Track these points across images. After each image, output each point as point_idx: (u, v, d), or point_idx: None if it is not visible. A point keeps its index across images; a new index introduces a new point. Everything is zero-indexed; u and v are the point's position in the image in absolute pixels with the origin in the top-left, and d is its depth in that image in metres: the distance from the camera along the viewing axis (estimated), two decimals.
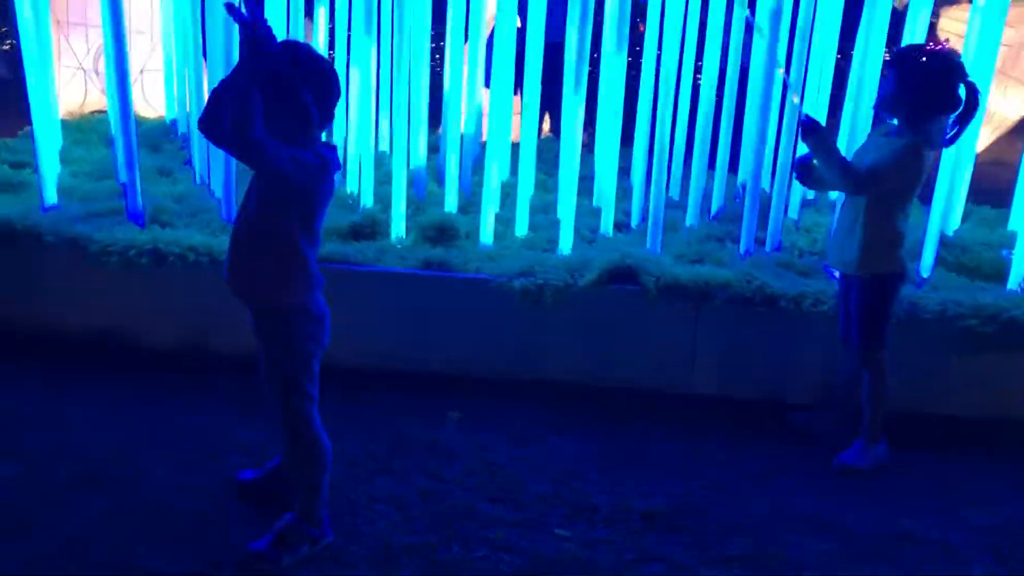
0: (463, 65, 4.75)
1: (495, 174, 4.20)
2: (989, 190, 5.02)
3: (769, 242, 4.24)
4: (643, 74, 4.44)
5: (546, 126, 6.54)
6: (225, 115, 2.26)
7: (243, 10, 2.34)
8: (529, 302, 3.68)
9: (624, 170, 4.89)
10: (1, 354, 3.77)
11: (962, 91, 3.06)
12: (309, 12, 4.51)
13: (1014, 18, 4.92)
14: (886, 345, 3.26)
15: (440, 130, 4.99)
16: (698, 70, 4.71)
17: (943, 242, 4.13)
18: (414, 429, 3.46)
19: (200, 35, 4.66)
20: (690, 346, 3.76)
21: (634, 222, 4.64)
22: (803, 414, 3.63)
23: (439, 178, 4.80)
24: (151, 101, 6.17)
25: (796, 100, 3.70)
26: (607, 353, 3.79)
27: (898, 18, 4.46)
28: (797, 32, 4.20)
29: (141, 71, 6.09)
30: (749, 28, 4.48)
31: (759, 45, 4.25)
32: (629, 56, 4.46)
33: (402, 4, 4.44)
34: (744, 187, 5.19)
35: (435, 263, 3.88)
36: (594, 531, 2.93)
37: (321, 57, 2.49)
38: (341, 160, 3.39)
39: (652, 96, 4.34)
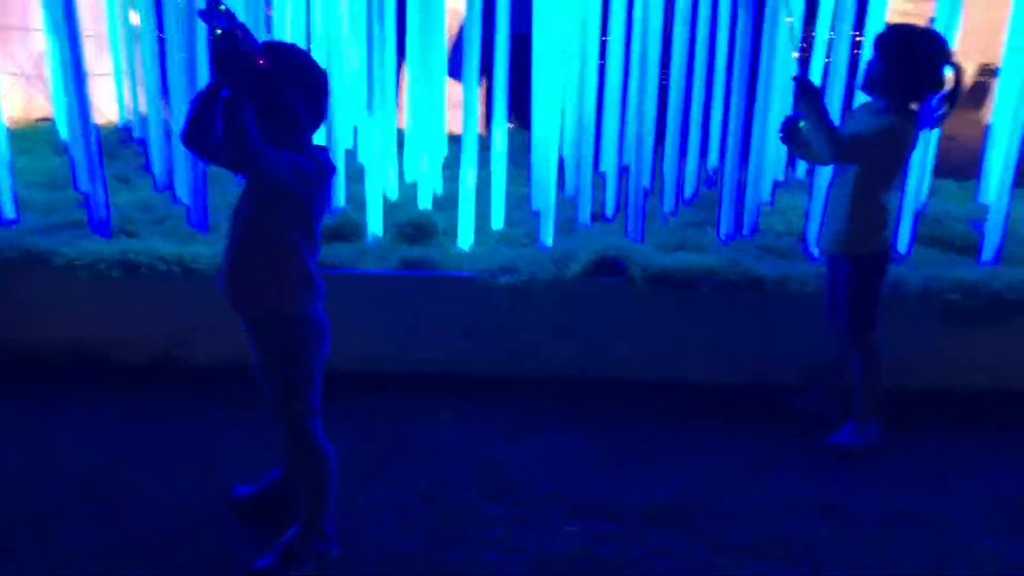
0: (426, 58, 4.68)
1: (472, 173, 4.13)
2: (943, 165, 5.09)
3: (747, 226, 4.24)
4: (610, 63, 4.43)
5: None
6: (209, 127, 2.17)
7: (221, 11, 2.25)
8: (516, 298, 3.63)
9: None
10: None
11: (947, 72, 3.08)
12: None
13: None
14: (875, 327, 3.27)
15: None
16: (665, 57, 4.69)
17: (918, 217, 4.18)
18: (408, 431, 3.39)
19: (156, 37, 4.53)
20: (678, 334, 3.75)
21: (609, 211, 4.62)
22: (792, 395, 3.64)
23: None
24: (99, 106, 5.97)
25: (795, 55, 3.63)
26: (596, 345, 3.76)
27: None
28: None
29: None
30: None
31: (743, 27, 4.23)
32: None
33: None
34: (715, 171, 5.22)
35: (415, 262, 3.81)
36: (600, 526, 2.90)
37: (307, 56, 2.40)
38: None
39: (622, 85, 4.32)
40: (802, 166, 5.23)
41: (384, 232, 4.10)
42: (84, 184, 3.96)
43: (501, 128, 4.57)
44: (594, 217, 4.46)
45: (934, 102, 3.13)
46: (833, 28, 4.38)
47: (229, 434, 3.34)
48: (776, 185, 4.85)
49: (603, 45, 4.72)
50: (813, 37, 4.69)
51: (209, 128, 2.19)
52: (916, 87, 3.09)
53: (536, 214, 4.47)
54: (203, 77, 3.97)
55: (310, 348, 2.47)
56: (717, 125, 5.18)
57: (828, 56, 4.56)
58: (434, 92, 4.72)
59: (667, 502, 3.02)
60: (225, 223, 4.00)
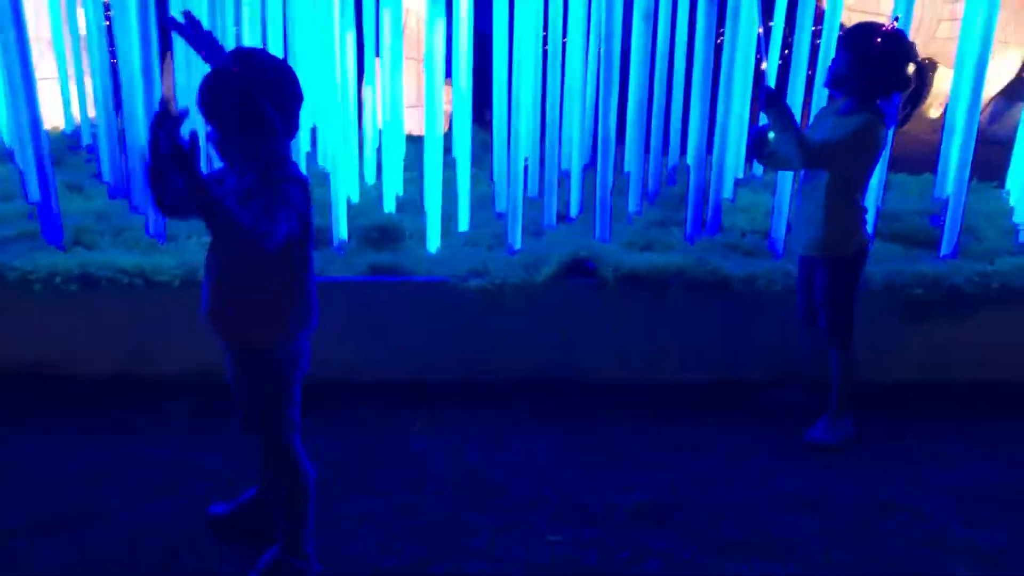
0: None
1: (438, 174, 4.08)
2: (894, 158, 5.18)
3: (711, 224, 4.26)
4: (570, 62, 4.41)
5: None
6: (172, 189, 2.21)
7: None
8: (488, 302, 3.60)
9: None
10: None
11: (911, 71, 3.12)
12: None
13: None
14: (853, 324, 3.30)
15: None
16: (625, 54, 4.69)
17: (878, 214, 4.24)
18: (382, 441, 3.34)
19: (106, 40, 4.39)
20: (650, 334, 3.74)
21: (573, 211, 4.61)
22: (770, 392, 3.66)
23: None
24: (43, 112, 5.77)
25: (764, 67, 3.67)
26: (569, 348, 3.74)
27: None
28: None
29: None
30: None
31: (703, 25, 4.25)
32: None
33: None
34: (674, 169, 5.24)
35: (384, 268, 3.74)
36: (584, 531, 2.88)
37: (279, 61, 2.33)
38: None
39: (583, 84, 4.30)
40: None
41: (348, 237, 4.03)
42: (34, 194, 3.82)
43: (464, 128, 4.53)
44: (559, 217, 4.44)
45: (899, 101, 3.16)
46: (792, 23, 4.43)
47: (196, 449, 3.24)
48: (736, 183, 4.88)
49: (563, 46, 4.70)
50: (768, 32, 4.73)
51: (172, 191, 2.21)
52: (882, 85, 3.12)
53: (500, 216, 4.44)
54: (156, 81, 3.85)
55: (291, 372, 2.42)
56: (677, 122, 5.21)
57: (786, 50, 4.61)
58: (393, 93, 4.65)
59: (649, 502, 3.02)
60: (184, 231, 3.94)
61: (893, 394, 3.71)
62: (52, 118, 5.64)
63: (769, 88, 3.18)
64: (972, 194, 4.18)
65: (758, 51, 4.04)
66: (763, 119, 3.22)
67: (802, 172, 3.32)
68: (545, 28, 4.48)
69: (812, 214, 3.24)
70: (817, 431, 3.39)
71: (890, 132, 3.20)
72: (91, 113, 4.85)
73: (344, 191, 4.01)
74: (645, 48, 4.48)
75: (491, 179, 4.91)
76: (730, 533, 2.87)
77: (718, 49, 4.24)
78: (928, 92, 3.13)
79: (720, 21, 4.22)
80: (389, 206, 4.37)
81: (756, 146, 3.31)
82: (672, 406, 3.65)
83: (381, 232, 4.05)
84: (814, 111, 3.99)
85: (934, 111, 7.41)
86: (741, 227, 4.31)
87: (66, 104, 5.32)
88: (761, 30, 3.43)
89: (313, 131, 5.04)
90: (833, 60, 3.20)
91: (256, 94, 2.20)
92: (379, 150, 4.90)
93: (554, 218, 4.36)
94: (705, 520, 2.94)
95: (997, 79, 7.97)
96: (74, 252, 3.60)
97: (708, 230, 4.26)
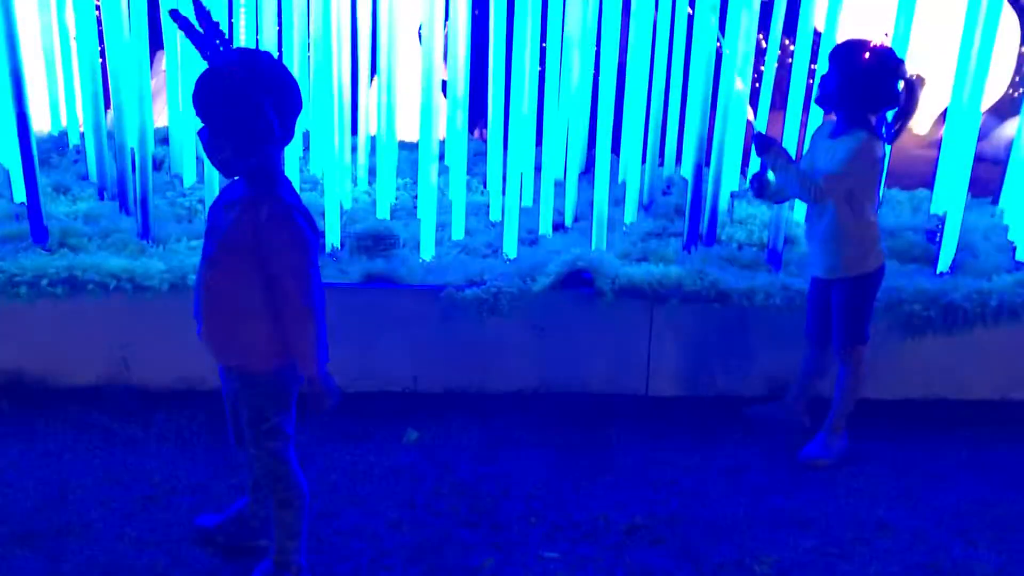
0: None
1: (433, 181, 4.03)
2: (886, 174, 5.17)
3: (708, 236, 4.23)
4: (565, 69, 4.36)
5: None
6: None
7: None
8: (483, 311, 3.55)
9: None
10: None
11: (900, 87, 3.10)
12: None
13: None
14: (868, 340, 3.27)
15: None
16: (622, 65, 4.66)
17: None
18: (373, 453, 3.28)
19: (96, 40, 4.32)
20: (646, 347, 3.70)
21: (568, 221, 4.56)
22: (759, 408, 3.63)
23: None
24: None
25: (740, 87, 3.69)
26: (564, 359, 3.69)
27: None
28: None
29: None
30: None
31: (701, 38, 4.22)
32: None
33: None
34: (669, 180, 5.21)
35: (378, 275, 3.69)
36: (578, 548, 2.84)
37: (283, 67, 2.27)
38: None
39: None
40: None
41: (341, 244, 3.97)
42: (20, 194, 3.74)
43: (458, 135, 4.48)
44: (554, 227, 4.40)
45: (889, 117, 3.14)
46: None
47: (182, 460, 3.18)
48: (732, 195, 4.84)
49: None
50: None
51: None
52: (872, 101, 3.09)
53: (494, 224, 4.39)
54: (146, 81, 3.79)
55: (290, 387, 2.37)
56: (674, 132, 5.17)
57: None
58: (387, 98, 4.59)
59: (644, 519, 2.98)
60: (173, 235, 3.87)
61: (887, 411, 3.68)
62: (38, 119, 5.55)
63: (760, 134, 3.19)
64: (967, 211, 4.16)
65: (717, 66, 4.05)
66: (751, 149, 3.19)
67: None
68: (543, 33, 4.45)
69: (826, 241, 3.20)
70: (813, 448, 3.36)
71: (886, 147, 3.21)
72: (79, 113, 4.76)
73: (337, 197, 3.95)
74: (642, 56, 4.45)
75: (484, 187, 4.86)
76: (726, 551, 2.83)
77: (716, 58, 4.22)
78: (916, 108, 3.12)
79: (719, 29, 4.19)
80: (383, 213, 4.31)
81: (758, 190, 3.31)
82: (667, 420, 3.60)
83: (374, 239, 3.99)
84: (810, 127, 3.99)
85: (920, 127, 7.42)
86: (738, 239, 4.28)
87: (53, 104, 5.22)
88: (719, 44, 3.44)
89: (305, 136, 4.98)
90: (822, 77, 3.18)
91: (258, 96, 2.15)
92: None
93: (550, 227, 4.32)
94: (701, 538, 2.90)
95: (986, 97, 7.99)
96: (61, 254, 3.52)
97: (704, 242, 4.23)
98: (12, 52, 3.57)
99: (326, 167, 4.03)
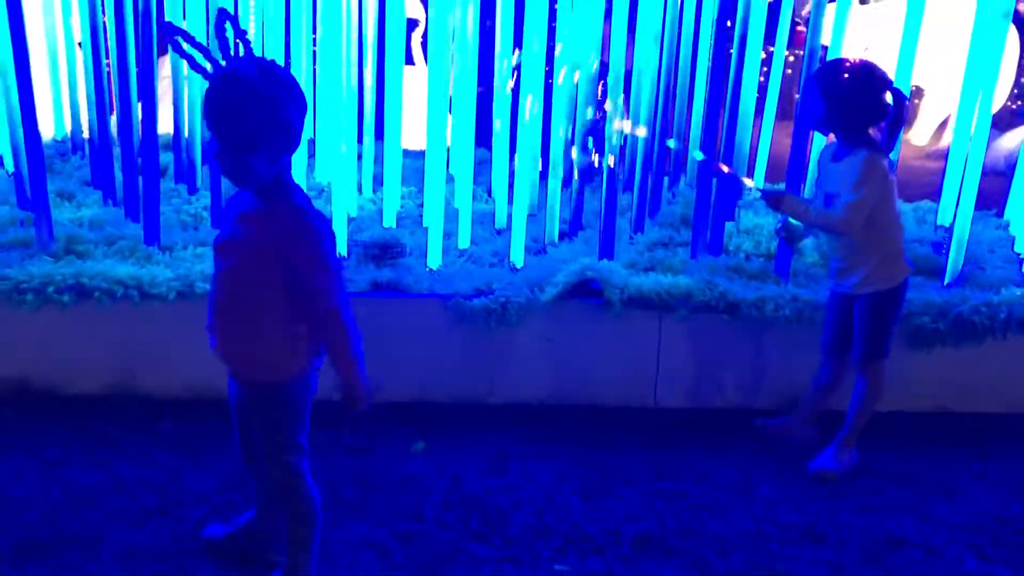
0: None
1: (440, 189, 4.01)
2: None
3: (714, 246, 4.22)
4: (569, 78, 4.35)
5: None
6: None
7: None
8: (491, 321, 3.53)
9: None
10: None
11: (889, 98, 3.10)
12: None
13: None
14: (888, 355, 3.26)
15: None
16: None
17: None
18: (380, 464, 3.26)
19: (103, 44, 4.31)
20: (655, 358, 3.69)
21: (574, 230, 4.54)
22: (769, 420, 3.61)
23: None
24: None
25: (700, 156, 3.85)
26: (571, 370, 3.67)
27: None
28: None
29: None
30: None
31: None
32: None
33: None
34: (675, 190, 5.19)
35: (385, 284, 3.67)
36: (589, 561, 2.82)
37: (292, 76, 2.26)
38: None
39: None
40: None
41: (348, 253, 3.95)
42: (27, 201, 3.72)
43: (464, 144, 4.47)
44: (560, 235, 4.38)
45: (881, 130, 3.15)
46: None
47: (190, 469, 3.15)
48: (739, 204, 4.83)
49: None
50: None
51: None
52: (863, 118, 3.09)
53: (499, 232, 4.38)
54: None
55: (304, 398, 2.35)
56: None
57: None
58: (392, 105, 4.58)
59: (655, 531, 2.96)
60: (180, 243, 3.85)
61: (897, 424, 3.66)
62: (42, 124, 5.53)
63: (764, 192, 3.27)
64: (972, 223, 4.15)
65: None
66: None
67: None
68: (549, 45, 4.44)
69: (848, 257, 3.20)
70: (824, 459, 3.34)
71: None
72: (83, 119, 4.74)
73: (343, 206, 3.94)
74: (651, 65, 4.44)
75: (489, 195, 4.85)
76: (739, 566, 2.82)
77: (724, 66, 4.21)
78: (906, 118, 3.12)
79: (728, 37, 4.18)
80: (389, 221, 4.29)
81: (788, 238, 3.45)
82: (676, 432, 3.58)
83: (381, 248, 3.97)
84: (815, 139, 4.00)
85: (919, 138, 7.42)
86: (745, 249, 4.27)
87: (57, 110, 5.20)
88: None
89: (311, 143, 4.96)
90: (807, 102, 3.18)
91: (285, 104, 2.13)
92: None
93: (556, 235, 4.30)
94: (712, 551, 2.88)
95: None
96: (68, 261, 3.50)
97: (710, 252, 4.21)
98: (21, 56, 3.54)
99: (333, 175, 4.01)
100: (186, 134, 4.50)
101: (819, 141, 3.99)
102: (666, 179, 4.97)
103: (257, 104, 2.08)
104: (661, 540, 2.93)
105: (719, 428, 3.62)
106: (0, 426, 3.32)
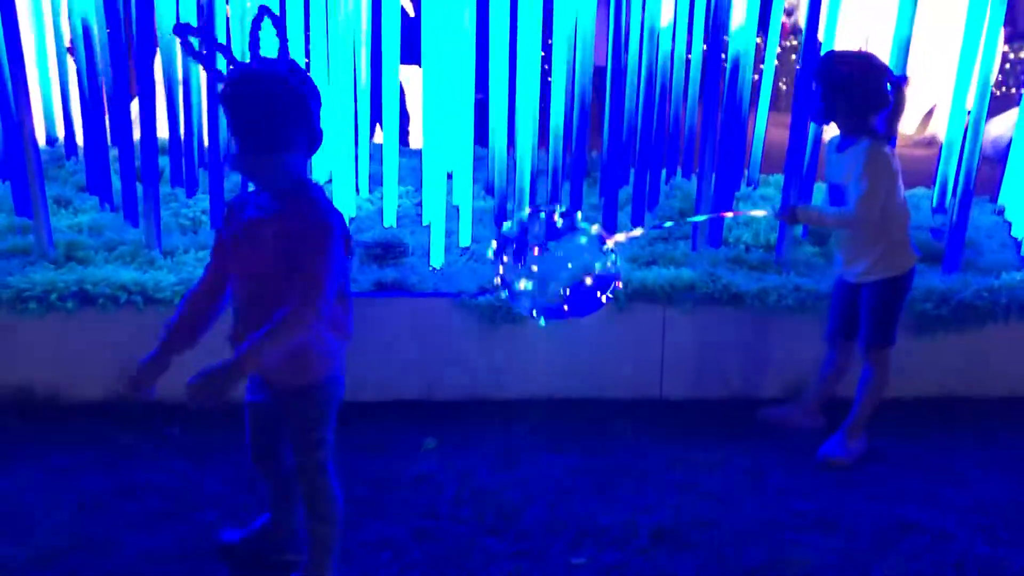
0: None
1: (441, 188, 4.01)
2: None
3: (713, 238, 4.23)
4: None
5: None
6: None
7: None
8: (497, 318, 3.53)
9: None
10: None
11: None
12: None
13: None
14: (895, 343, 3.28)
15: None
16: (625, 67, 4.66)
17: None
18: (393, 462, 3.25)
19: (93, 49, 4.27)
20: (660, 350, 3.70)
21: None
22: (774, 409, 3.63)
23: None
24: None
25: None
26: (577, 364, 3.68)
27: None
28: None
29: None
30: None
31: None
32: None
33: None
34: (672, 183, 5.21)
35: (389, 284, 3.66)
36: (606, 555, 2.82)
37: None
38: None
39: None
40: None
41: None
42: (24, 208, 3.69)
43: (463, 142, 4.46)
44: None
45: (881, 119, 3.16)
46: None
47: (199, 473, 3.14)
48: (736, 196, 4.85)
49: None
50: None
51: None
52: (864, 107, 3.11)
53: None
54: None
55: (335, 398, 2.34)
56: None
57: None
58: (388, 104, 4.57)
59: (670, 523, 2.97)
60: (181, 247, 3.83)
61: (904, 410, 3.69)
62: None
63: (780, 214, 3.35)
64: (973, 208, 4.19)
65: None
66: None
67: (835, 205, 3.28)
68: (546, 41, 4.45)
69: (857, 245, 3.22)
70: (832, 446, 3.36)
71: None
72: (78, 125, 4.70)
73: (343, 207, 3.93)
74: (647, 61, 4.45)
75: (487, 193, 4.85)
76: (756, 555, 2.82)
77: (721, 61, 4.22)
78: (903, 107, 3.14)
79: (724, 30, 4.20)
80: (389, 220, 4.28)
81: (790, 223, 3.52)
82: (683, 423, 3.60)
83: (383, 247, 3.96)
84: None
85: (907, 127, 7.49)
86: (745, 241, 4.28)
87: (49, 116, 5.16)
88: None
89: None
90: (811, 94, 3.20)
91: (314, 104, 2.12)
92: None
93: None
94: (727, 542, 2.89)
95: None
96: (70, 268, 3.47)
97: (710, 244, 4.23)
98: (16, 60, 3.52)
99: (335, 175, 4.00)
100: (182, 137, 4.47)
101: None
102: (663, 172, 4.99)
103: (294, 102, 2.06)
104: (677, 532, 2.93)
105: (726, 418, 3.64)
106: (6, 434, 3.29)
